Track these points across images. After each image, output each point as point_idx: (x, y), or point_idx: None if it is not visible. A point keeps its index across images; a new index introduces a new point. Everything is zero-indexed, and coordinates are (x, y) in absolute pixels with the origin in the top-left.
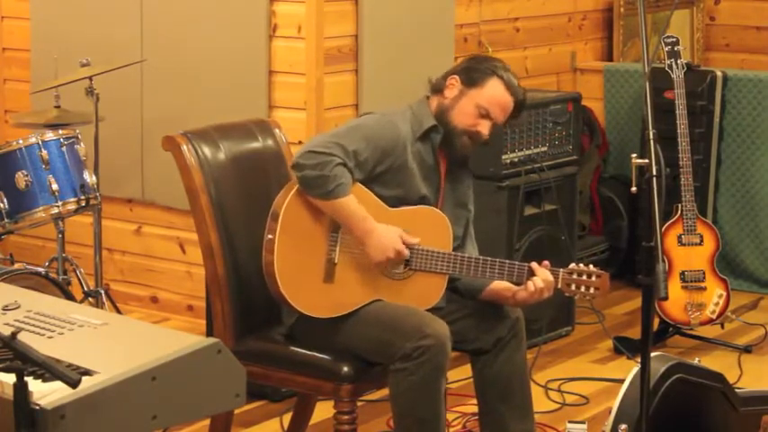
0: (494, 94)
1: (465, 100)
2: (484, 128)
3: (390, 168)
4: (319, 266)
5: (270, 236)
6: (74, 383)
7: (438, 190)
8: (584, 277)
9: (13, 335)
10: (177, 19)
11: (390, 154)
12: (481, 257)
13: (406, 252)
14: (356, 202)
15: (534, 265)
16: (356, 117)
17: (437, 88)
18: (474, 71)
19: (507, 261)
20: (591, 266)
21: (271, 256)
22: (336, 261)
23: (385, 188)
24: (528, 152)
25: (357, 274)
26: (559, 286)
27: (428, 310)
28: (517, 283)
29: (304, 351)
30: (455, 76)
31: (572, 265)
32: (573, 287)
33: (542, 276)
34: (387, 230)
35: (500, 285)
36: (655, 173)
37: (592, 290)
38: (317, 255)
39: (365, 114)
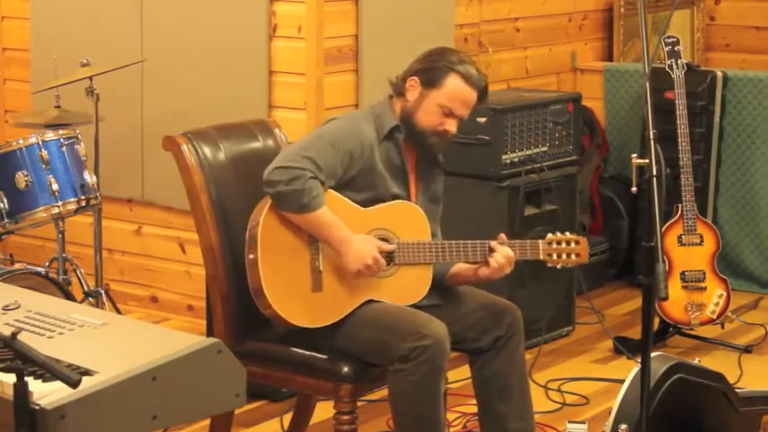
0: (454, 91)
1: (427, 101)
2: (451, 126)
3: (360, 172)
4: (306, 277)
5: (251, 256)
6: (74, 383)
7: (408, 188)
8: (564, 245)
9: (14, 335)
10: (177, 19)
11: (358, 158)
12: (454, 242)
13: (383, 261)
14: (330, 213)
15: (493, 243)
16: (322, 123)
17: (399, 91)
18: (432, 70)
19: (470, 242)
20: (568, 233)
21: (257, 276)
22: (321, 269)
23: (356, 192)
24: (528, 152)
25: (344, 277)
26: (541, 257)
27: (425, 308)
28: (481, 263)
29: (303, 351)
30: (414, 77)
31: (549, 235)
32: (554, 256)
33: (503, 253)
34: (363, 240)
35: (461, 267)
36: (655, 173)
37: (573, 256)
38: (302, 266)
39: (329, 121)
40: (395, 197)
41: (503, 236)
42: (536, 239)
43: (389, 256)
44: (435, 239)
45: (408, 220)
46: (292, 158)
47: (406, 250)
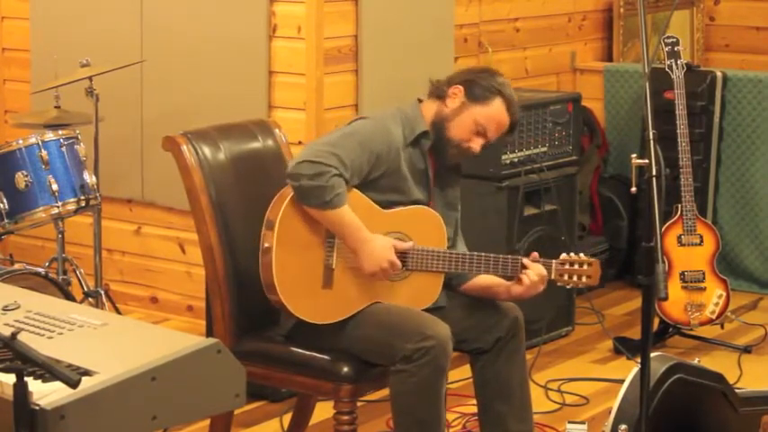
0: (496, 114)
1: (466, 114)
2: (476, 144)
3: (385, 174)
4: (317, 273)
5: (266, 244)
6: (74, 384)
7: (428, 193)
8: (576, 266)
9: (13, 335)
10: (177, 19)
11: (384, 159)
12: (474, 253)
13: (399, 263)
14: (351, 213)
15: (526, 260)
16: (350, 121)
17: (438, 94)
18: (480, 87)
19: (501, 256)
20: (581, 255)
21: (269, 265)
22: (334, 266)
23: (380, 193)
24: (528, 152)
25: (355, 277)
26: (552, 277)
27: (430, 309)
28: (510, 278)
29: (304, 351)
30: (459, 86)
31: (563, 255)
32: (566, 277)
33: (536, 270)
34: (380, 241)
35: (491, 281)
36: (655, 173)
37: (584, 278)
38: (315, 261)
39: (358, 119)
40: (415, 202)
41: (535, 254)
42: (549, 259)
43: (403, 258)
44: (448, 243)
45: (426, 225)
46: (319, 153)
47: (418, 256)
